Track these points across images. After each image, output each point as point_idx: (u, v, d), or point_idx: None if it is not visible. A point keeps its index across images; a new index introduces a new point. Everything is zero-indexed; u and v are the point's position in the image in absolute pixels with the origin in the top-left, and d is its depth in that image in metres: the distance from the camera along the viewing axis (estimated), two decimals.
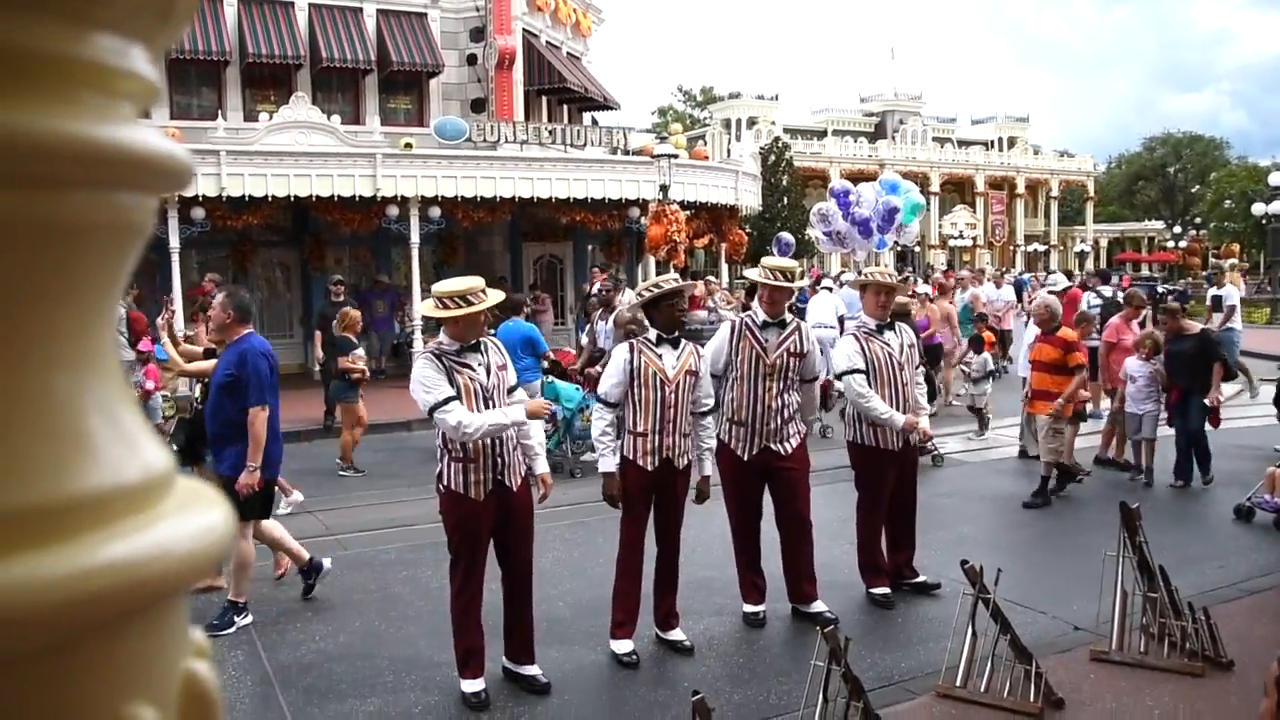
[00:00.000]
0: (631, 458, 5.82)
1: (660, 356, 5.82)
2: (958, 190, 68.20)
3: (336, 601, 7.06)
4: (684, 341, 6.00)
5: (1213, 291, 17.84)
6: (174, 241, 16.49)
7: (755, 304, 6.60)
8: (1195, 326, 10.50)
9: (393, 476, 11.32)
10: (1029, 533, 8.76)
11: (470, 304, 5.17)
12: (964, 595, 5.39)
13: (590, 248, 23.29)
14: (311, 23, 21.01)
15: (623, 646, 5.88)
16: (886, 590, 6.80)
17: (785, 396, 6.29)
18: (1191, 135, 79.68)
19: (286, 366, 17.95)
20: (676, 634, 6.03)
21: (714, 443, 6.20)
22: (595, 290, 14.77)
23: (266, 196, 16.74)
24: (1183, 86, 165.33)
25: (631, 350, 5.85)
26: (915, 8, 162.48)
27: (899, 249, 62.26)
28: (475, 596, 5.31)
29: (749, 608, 6.41)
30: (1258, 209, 34.27)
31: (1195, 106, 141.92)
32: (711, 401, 6.14)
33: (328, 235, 19.40)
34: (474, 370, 5.21)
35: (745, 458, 6.30)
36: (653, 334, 5.93)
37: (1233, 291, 15.84)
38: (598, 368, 10.69)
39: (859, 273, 7.63)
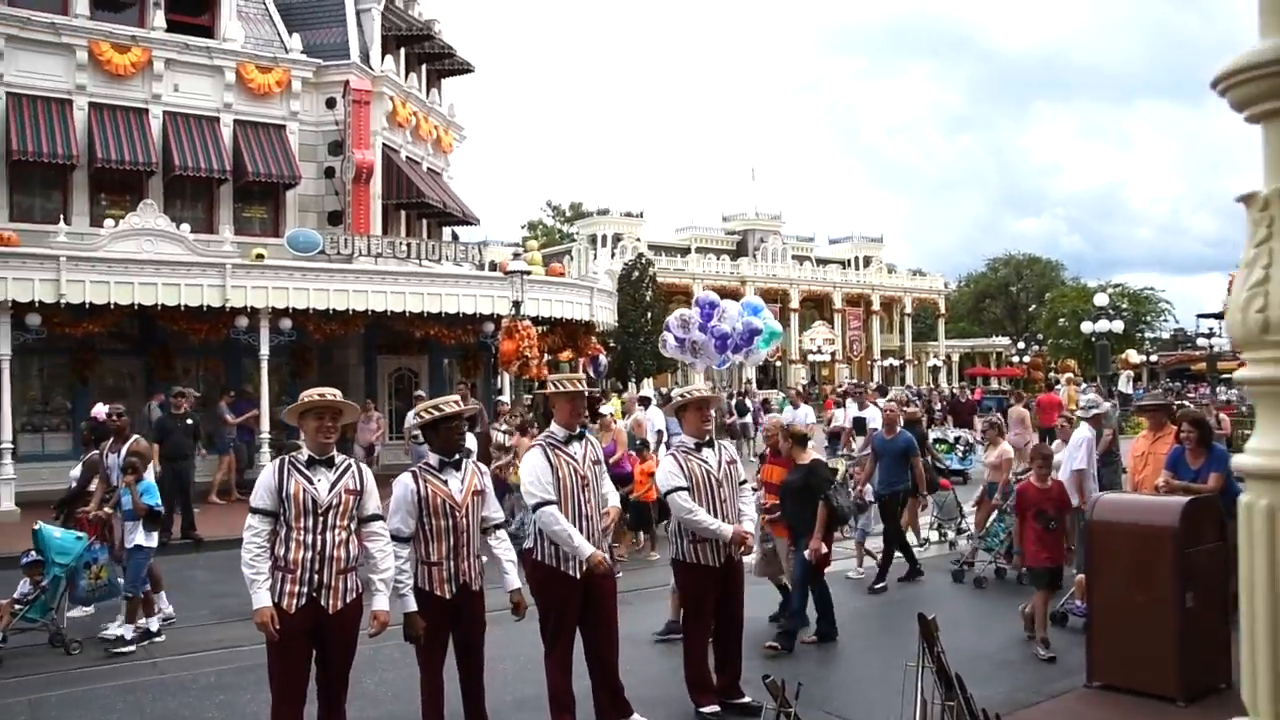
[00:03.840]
0: (427, 589, 5.74)
1: (445, 482, 5.81)
2: (816, 307, 70.52)
3: None
4: (465, 462, 6.00)
5: (853, 414, 17.36)
6: (4, 349, 15.89)
7: (554, 424, 6.53)
8: (808, 456, 8.95)
9: (226, 596, 10.97)
10: (865, 642, 8.96)
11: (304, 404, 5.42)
12: (766, 710, 5.54)
13: (446, 361, 23.31)
14: (165, 130, 20.84)
15: None
16: (715, 708, 6.79)
17: (595, 505, 6.43)
18: (1031, 256, 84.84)
19: None
20: None
21: (514, 555, 6.22)
22: (106, 415, 11.38)
23: (109, 305, 16.34)
24: (1023, 211, 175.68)
25: (416, 479, 5.80)
26: (774, 131, 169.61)
27: (761, 364, 64.09)
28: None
29: None
30: (1086, 327, 36.45)
31: (1036, 230, 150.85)
32: (500, 516, 6.19)
33: (176, 344, 18.99)
34: (311, 483, 5.27)
35: (576, 575, 6.29)
36: (434, 459, 5.90)
37: (876, 414, 15.47)
38: (104, 508, 9.44)
39: (676, 394, 7.73)
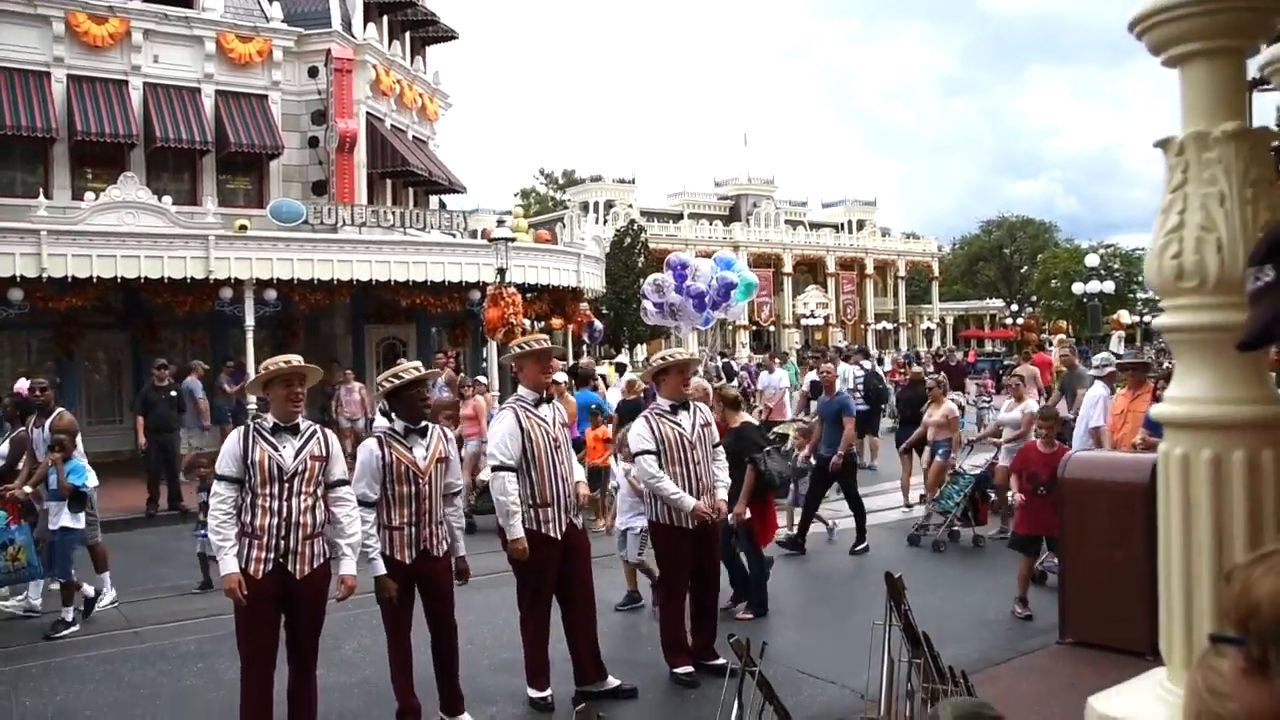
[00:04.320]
0: (388, 553, 5.77)
1: (410, 449, 5.83)
2: (810, 271, 70.35)
3: (124, 699, 6.84)
4: (430, 428, 6.01)
5: (810, 378, 17.03)
6: None
7: (521, 388, 6.59)
8: (739, 419, 8.66)
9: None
10: (837, 605, 9.02)
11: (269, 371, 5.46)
12: (730, 670, 5.55)
13: (434, 330, 23.26)
14: (146, 101, 20.69)
15: None
16: (689, 669, 6.81)
17: (570, 468, 6.44)
18: (1024, 219, 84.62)
19: (116, 453, 17.37)
20: (464, 719, 6.03)
21: (464, 523, 6.24)
22: (29, 390, 11.17)
23: (91, 278, 16.30)
24: (1020, 173, 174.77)
25: (381, 445, 5.81)
26: (767, 96, 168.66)
27: (755, 328, 64.08)
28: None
29: (536, 693, 6.40)
30: (1077, 288, 36.44)
31: (1031, 192, 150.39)
32: (461, 484, 6.19)
33: (161, 317, 18.93)
34: (277, 450, 5.27)
35: (557, 537, 6.31)
36: (400, 425, 5.90)
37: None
38: (25, 486, 8.91)
39: (655, 359, 7.64)
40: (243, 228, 18.30)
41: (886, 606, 6.02)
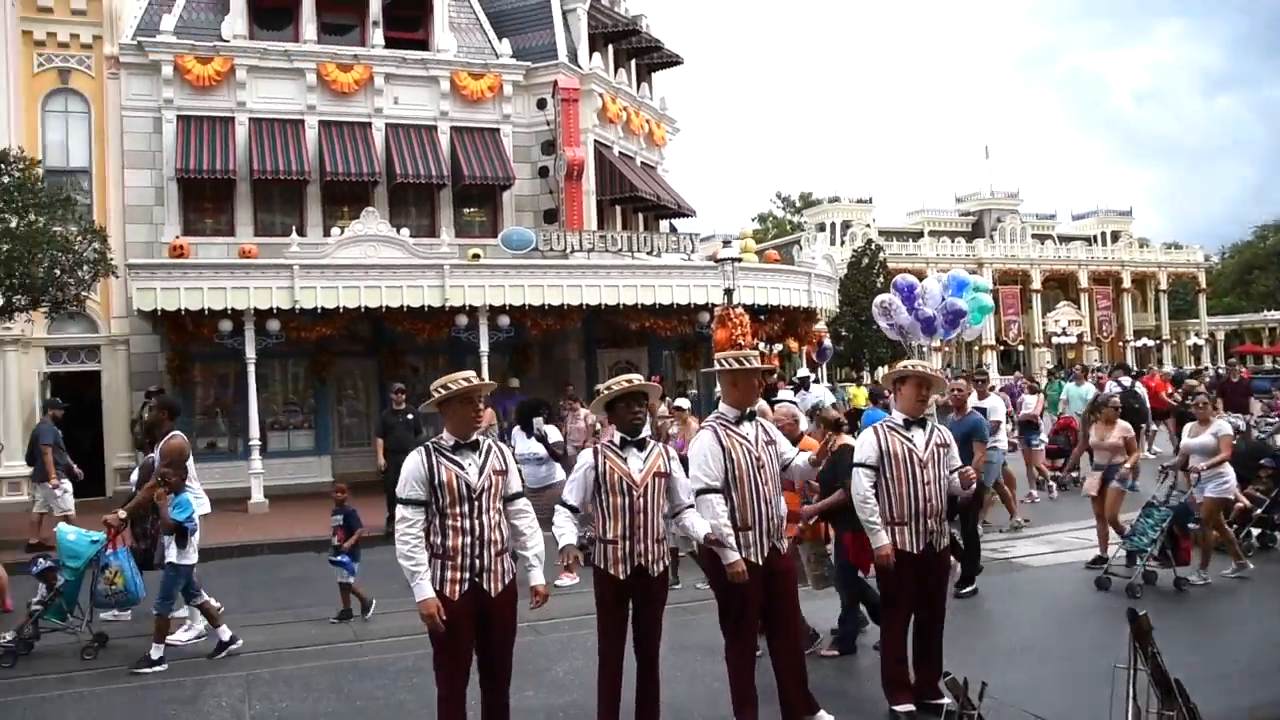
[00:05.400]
0: (603, 567, 5.64)
1: (625, 460, 5.67)
2: (1061, 287, 66.98)
3: (341, 711, 6.98)
4: (651, 443, 5.81)
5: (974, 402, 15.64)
6: (250, 352, 17.02)
7: (722, 405, 6.21)
8: (840, 442, 7.71)
9: None
10: (1082, 642, 8.15)
11: (449, 389, 5.20)
12: (946, 711, 5.03)
13: (666, 353, 23.31)
14: (388, 141, 21.80)
15: None
16: (909, 707, 6.29)
17: (774, 489, 6.05)
18: None
19: (366, 473, 18.15)
20: None
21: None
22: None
23: (338, 308, 17.25)
24: None
25: (595, 455, 5.71)
26: (1006, 107, 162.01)
27: (1003, 348, 61.32)
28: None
29: None
30: None
31: None
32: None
33: (402, 345, 19.82)
34: (463, 469, 5.15)
35: (759, 561, 5.95)
36: (617, 437, 5.76)
37: (997, 405, 13.60)
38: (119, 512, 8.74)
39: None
40: (476, 256, 18.90)
41: (1130, 648, 5.29)
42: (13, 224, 15.10)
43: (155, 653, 8.10)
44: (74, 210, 16.59)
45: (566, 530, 5.62)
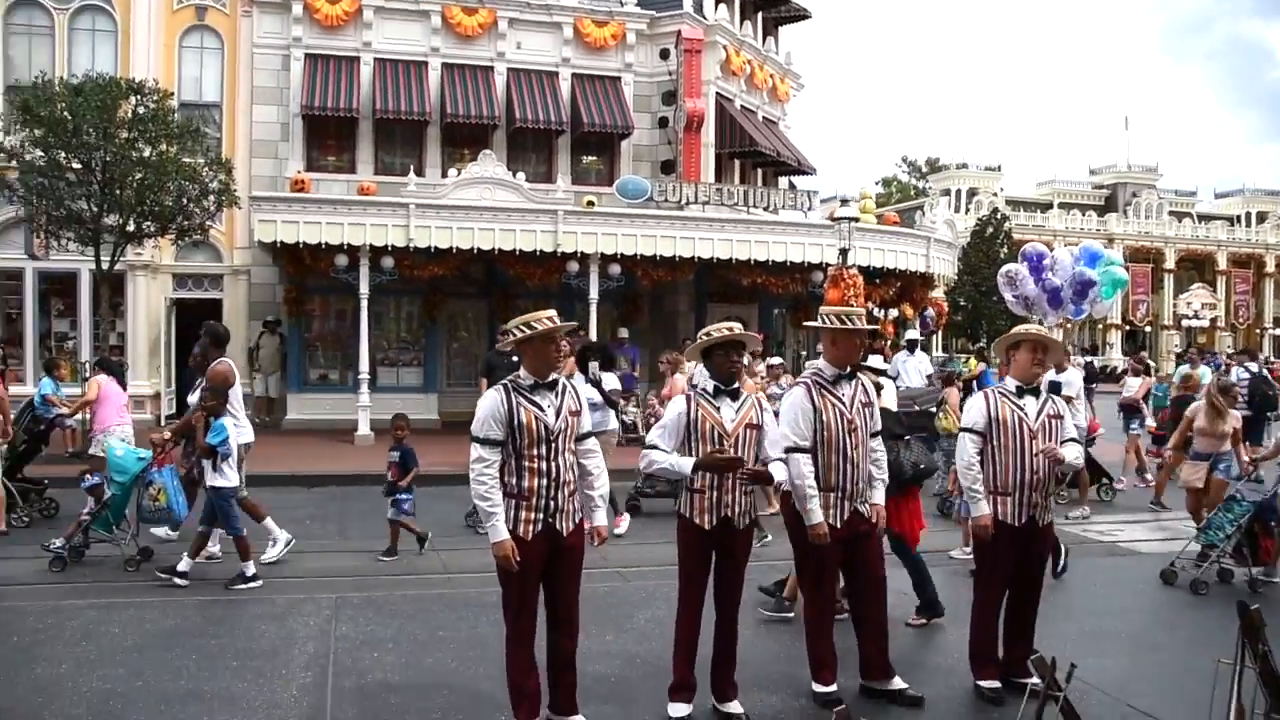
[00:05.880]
0: (688, 515, 5.51)
1: (718, 409, 5.52)
2: (1196, 268, 64.08)
3: (422, 638, 7.03)
4: (745, 394, 5.66)
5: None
6: (364, 288, 17.31)
7: (822, 360, 6.05)
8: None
9: None
10: (1181, 634, 7.71)
11: (532, 328, 5.05)
12: (1029, 690, 4.78)
13: (776, 311, 23.01)
14: (509, 85, 21.83)
15: (679, 710, 5.57)
16: (995, 684, 6.06)
17: (864, 452, 5.85)
18: None
19: (470, 413, 18.34)
20: (734, 706, 5.62)
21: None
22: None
23: (452, 248, 17.41)
24: None
25: (689, 402, 5.56)
26: (1152, 77, 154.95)
27: (1129, 328, 59.03)
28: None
29: (821, 688, 5.84)
30: None
31: None
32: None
33: (514, 288, 19.91)
34: (542, 410, 5.06)
35: (837, 524, 5.77)
36: (710, 385, 5.61)
37: (1074, 379, 12.81)
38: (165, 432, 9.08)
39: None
40: (590, 203, 18.84)
41: (1238, 644, 4.92)
42: (146, 153, 15.60)
43: (249, 569, 8.34)
44: (203, 142, 17.08)
45: (674, 459, 5.45)
